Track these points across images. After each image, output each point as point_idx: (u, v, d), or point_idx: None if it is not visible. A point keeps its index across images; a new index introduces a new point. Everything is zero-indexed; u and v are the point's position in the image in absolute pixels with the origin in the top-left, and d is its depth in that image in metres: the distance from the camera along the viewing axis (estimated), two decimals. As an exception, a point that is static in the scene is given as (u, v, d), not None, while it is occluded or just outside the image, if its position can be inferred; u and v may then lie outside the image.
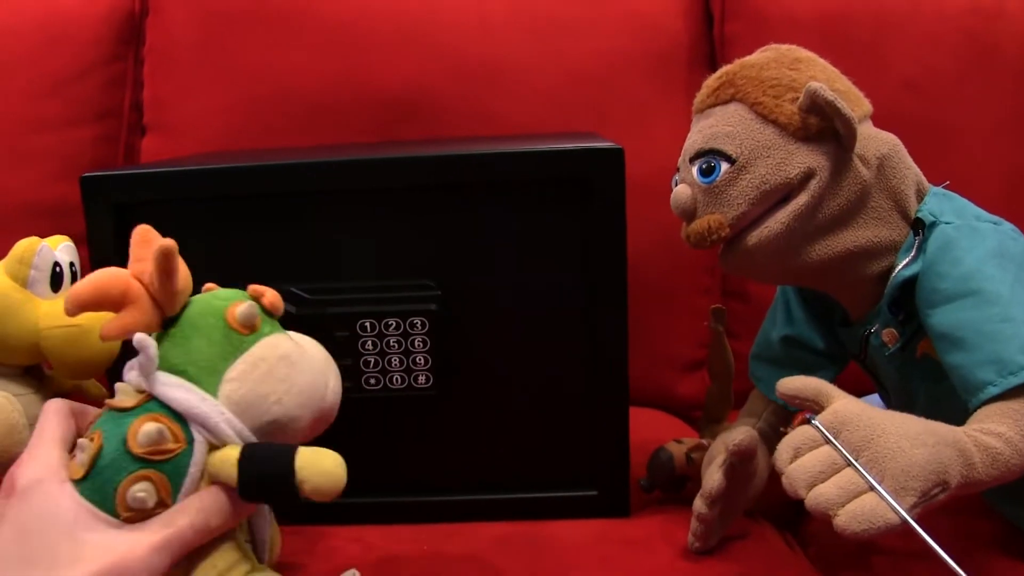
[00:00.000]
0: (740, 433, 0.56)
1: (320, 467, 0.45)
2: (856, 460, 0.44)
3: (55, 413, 0.47)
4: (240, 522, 0.48)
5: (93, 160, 0.96)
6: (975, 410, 0.48)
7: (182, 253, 0.51)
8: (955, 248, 0.51)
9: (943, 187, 0.58)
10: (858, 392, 0.72)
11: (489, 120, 0.91)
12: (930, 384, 0.54)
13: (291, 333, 0.51)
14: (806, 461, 0.45)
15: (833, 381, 0.64)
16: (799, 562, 0.61)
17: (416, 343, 0.61)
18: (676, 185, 0.57)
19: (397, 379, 0.62)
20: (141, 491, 0.44)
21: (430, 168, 0.61)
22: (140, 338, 0.46)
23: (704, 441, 0.66)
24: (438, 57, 0.92)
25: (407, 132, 0.91)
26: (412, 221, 0.62)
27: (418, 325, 0.61)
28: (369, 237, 0.62)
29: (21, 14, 0.96)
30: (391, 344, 0.62)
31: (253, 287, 0.51)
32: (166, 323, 0.48)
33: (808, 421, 0.46)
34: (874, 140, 0.55)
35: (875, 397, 0.72)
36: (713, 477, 0.56)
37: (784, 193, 0.53)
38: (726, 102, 0.56)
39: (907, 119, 0.88)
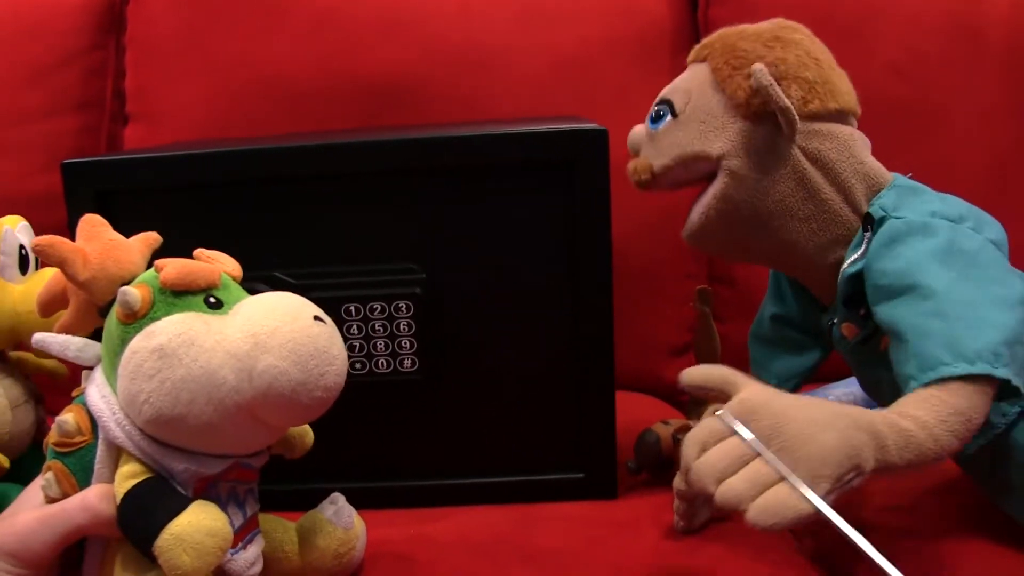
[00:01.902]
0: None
1: (179, 549, 0.40)
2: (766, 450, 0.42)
3: None
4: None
5: (75, 150, 0.95)
6: None
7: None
8: (898, 243, 0.50)
9: (908, 177, 0.56)
10: (840, 376, 0.73)
11: (473, 106, 0.90)
12: (892, 375, 0.54)
13: (251, 299, 0.45)
14: (713, 455, 0.42)
15: (822, 360, 0.66)
16: (785, 542, 0.62)
17: (401, 327, 0.61)
18: None
19: (383, 363, 0.62)
20: (44, 480, 0.45)
21: (414, 152, 0.61)
22: (37, 338, 0.46)
23: (691, 423, 0.66)
24: (421, 43, 0.92)
25: (391, 119, 0.91)
26: (396, 205, 0.62)
27: (403, 309, 0.61)
28: (353, 221, 0.62)
29: (0, 4, 0.95)
30: (376, 328, 0.61)
31: (158, 261, 0.46)
32: (105, 311, 0.46)
33: (714, 413, 0.44)
34: (819, 133, 0.54)
35: (852, 380, 0.73)
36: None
37: (709, 167, 0.55)
38: (701, 60, 0.57)
39: (892, 103, 0.89)
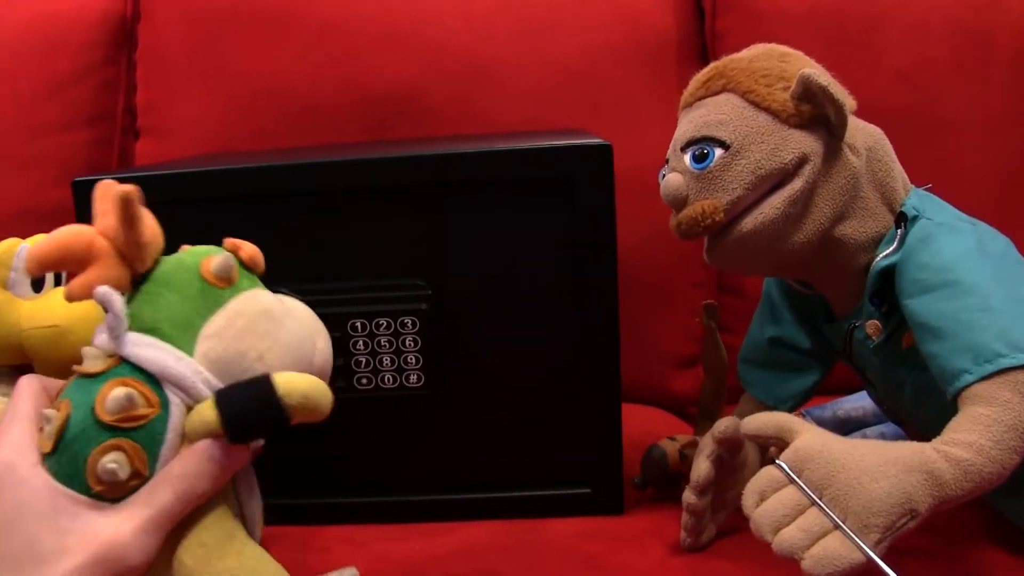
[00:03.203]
0: (725, 422, 0.55)
1: (301, 386, 0.42)
2: (819, 499, 0.43)
3: (26, 390, 0.44)
4: (227, 488, 0.45)
5: (87, 164, 0.96)
6: (952, 399, 0.48)
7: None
8: (935, 241, 0.52)
9: (925, 189, 0.58)
10: (848, 390, 0.73)
11: (479, 118, 0.91)
12: (916, 374, 0.54)
13: (277, 292, 0.48)
14: (770, 505, 0.45)
15: (821, 380, 0.66)
16: (792, 561, 0.61)
17: (407, 342, 0.61)
18: (663, 176, 0.57)
19: (388, 379, 0.62)
20: (112, 462, 0.41)
21: (419, 168, 0.61)
22: (102, 291, 0.43)
23: (698, 438, 0.66)
24: (427, 56, 0.92)
25: (397, 131, 0.91)
26: (402, 221, 0.62)
27: (409, 324, 0.61)
28: (358, 237, 0.62)
29: (13, 20, 0.97)
30: (382, 344, 0.62)
31: (230, 240, 0.48)
32: (138, 281, 0.45)
33: (773, 462, 0.46)
34: (862, 131, 0.56)
35: (862, 395, 0.72)
36: (700, 467, 0.56)
37: (778, 179, 0.53)
38: (717, 93, 0.56)
39: (900, 111, 0.89)
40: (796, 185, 0.53)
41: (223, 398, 0.42)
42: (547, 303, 0.62)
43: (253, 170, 0.62)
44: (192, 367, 0.43)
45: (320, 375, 0.46)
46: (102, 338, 0.44)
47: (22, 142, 0.94)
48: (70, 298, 0.44)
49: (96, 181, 0.62)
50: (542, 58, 0.92)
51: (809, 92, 0.52)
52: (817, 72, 0.53)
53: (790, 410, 0.65)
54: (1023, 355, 0.45)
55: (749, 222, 0.54)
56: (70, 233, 0.44)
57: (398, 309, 0.61)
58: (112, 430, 0.41)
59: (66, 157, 0.95)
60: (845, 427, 0.73)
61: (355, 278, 0.62)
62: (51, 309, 0.58)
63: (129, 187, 0.43)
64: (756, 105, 0.54)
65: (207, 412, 0.42)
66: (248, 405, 0.42)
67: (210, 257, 0.46)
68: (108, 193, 0.45)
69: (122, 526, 0.40)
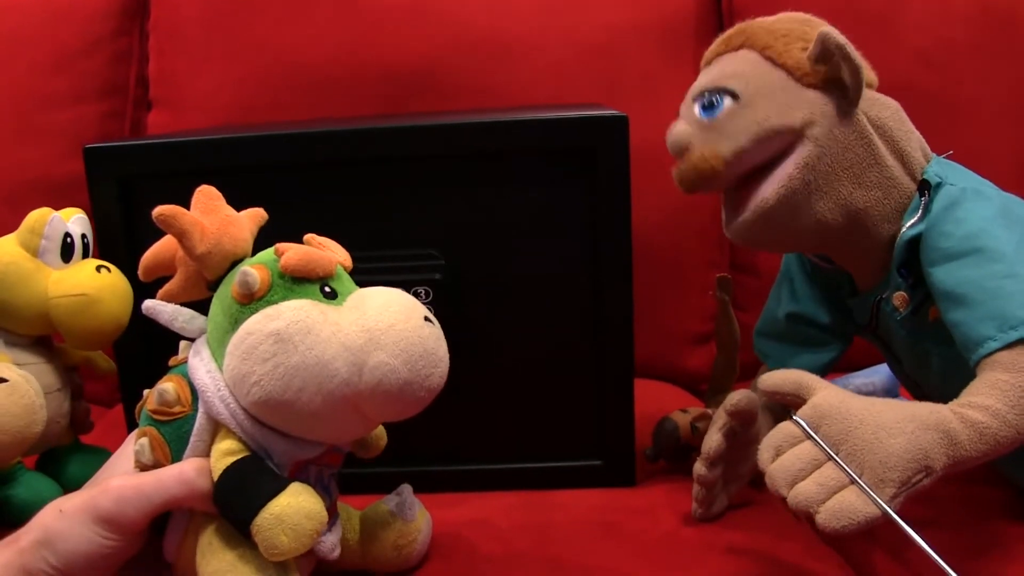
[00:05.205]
0: (739, 395, 0.56)
1: (278, 529, 0.40)
2: (836, 454, 0.43)
3: None
4: None
5: (100, 136, 0.96)
6: (975, 366, 0.47)
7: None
8: (959, 208, 0.51)
9: (945, 156, 0.57)
10: (869, 362, 0.73)
11: (497, 93, 0.90)
12: (943, 347, 0.54)
13: (364, 292, 0.45)
14: (786, 459, 0.44)
15: (839, 357, 0.65)
16: (804, 531, 0.61)
17: (421, 313, 0.61)
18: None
19: (402, 349, 0.62)
20: (138, 445, 0.45)
21: (435, 138, 0.61)
22: (147, 306, 0.46)
23: (709, 411, 0.66)
24: (446, 30, 0.92)
25: (415, 105, 0.91)
26: (417, 191, 0.62)
27: (422, 294, 0.61)
28: (373, 207, 0.62)
29: (27, -10, 0.96)
30: (396, 314, 0.61)
31: (280, 245, 0.45)
32: (215, 285, 0.46)
33: (790, 417, 0.46)
34: (879, 102, 0.55)
35: (886, 367, 0.72)
36: (712, 439, 0.56)
37: (786, 141, 0.53)
38: (736, 49, 0.56)
39: (920, 91, 0.88)
40: (806, 148, 0.52)
41: (224, 475, 0.42)
42: (562, 275, 0.62)
43: (267, 139, 0.62)
44: (215, 382, 0.43)
45: (375, 393, 0.43)
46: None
47: (34, 113, 0.94)
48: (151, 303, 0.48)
49: (108, 148, 0.63)
50: (561, 34, 0.92)
51: (826, 51, 0.51)
52: (836, 33, 0.52)
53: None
54: None
55: (771, 193, 0.52)
56: (162, 243, 0.48)
57: (411, 279, 0.61)
58: (150, 418, 0.45)
59: (78, 129, 0.95)
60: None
61: (369, 248, 0.62)
62: (79, 279, 0.59)
63: (170, 208, 0.44)
64: (772, 61, 0.53)
65: (217, 460, 0.43)
66: (230, 502, 0.42)
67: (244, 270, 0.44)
68: (197, 200, 0.46)
69: (116, 481, 0.44)
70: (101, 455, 0.64)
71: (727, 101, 0.53)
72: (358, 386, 0.42)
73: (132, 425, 0.53)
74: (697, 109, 0.54)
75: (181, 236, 0.44)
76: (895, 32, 0.89)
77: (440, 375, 0.45)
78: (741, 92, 0.53)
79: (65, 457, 0.64)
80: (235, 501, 0.42)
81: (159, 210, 0.44)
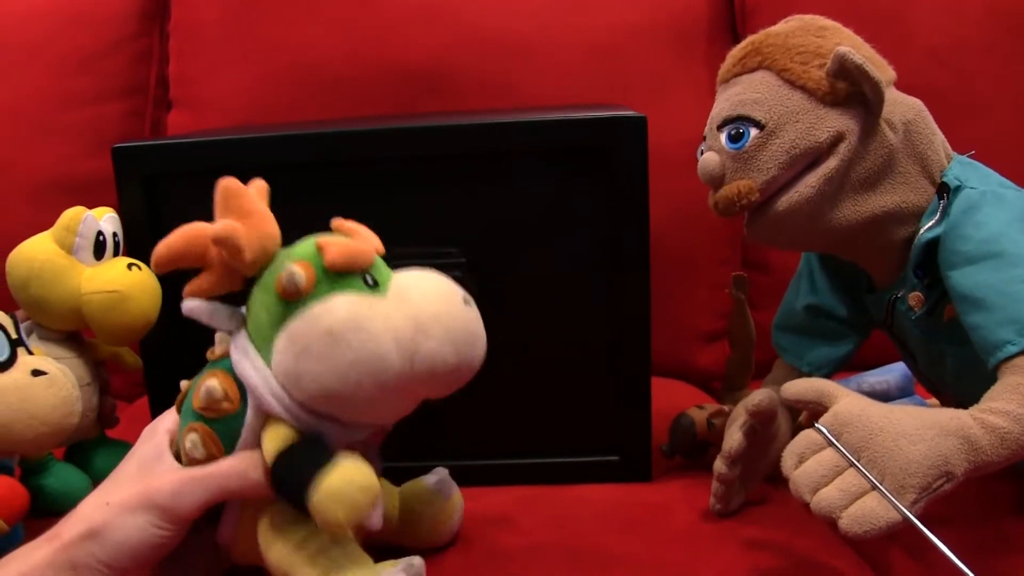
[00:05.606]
0: (760, 394, 0.56)
1: (336, 504, 0.41)
2: (857, 461, 0.44)
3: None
4: None
5: (121, 135, 0.97)
6: (993, 370, 0.48)
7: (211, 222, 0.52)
8: (979, 212, 0.52)
9: (968, 156, 0.58)
10: (883, 361, 0.73)
11: (510, 93, 0.91)
12: (957, 347, 0.54)
13: (403, 278, 0.46)
14: (809, 466, 0.46)
15: (856, 350, 0.66)
16: (821, 527, 0.62)
17: (441, 310, 0.62)
18: (702, 154, 0.57)
19: (422, 345, 0.63)
20: (189, 441, 0.46)
21: (454, 137, 0.62)
22: (186, 306, 0.46)
23: (725, 408, 0.67)
24: (458, 30, 0.93)
25: (430, 105, 0.92)
26: (437, 190, 0.63)
27: (443, 292, 0.62)
28: (394, 206, 0.63)
29: (48, -8, 0.97)
30: (417, 311, 0.62)
31: (322, 239, 0.45)
32: (251, 280, 0.46)
33: (812, 425, 0.47)
34: (900, 105, 0.55)
35: (900, 365, 0.73)
36: (733, 437, 0.57)
37: (813, 157, 0.54)
38: (752, 70, 0.56)
39: (932, 90, 0.86)
40: (831, 164, 0.53)
41: (281, 457, 0.44)
42: (580, 272, 0.63)
43: (289, 138, 0.63)
44: (264, 378, 0.44)
45: (427, 378, 0.44)
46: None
47: (55, 113, 0.95)
48: (185, 296, 0.47)
49: (135, 148, 0.64)
50: (572, 34, 0.92)
51: (844, 70, 0.52)
52: (853, 49, 0.52)
53: (825, 377, 0.65)
54: None
55: (784, 201, 0.54)
56: (187, 235, 0.45)
57: (432, 277, 0.62)
58: (198, 415, 0.46)
59: (98, 128, 0.96)
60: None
61: (390, 245, 0.62)
62: (111, 275, 0.60)
63: (228, 229, 0.43)
64: (791, 83, 0.54)
65: (269, 444, 0.44)
66: (287, 483, 0.43)
67: (288, 267, 0.44)
68: (223, 197, 0.45)
69: (171, 476, 0.46)
70: (125, 448, 0.65)
71: (753, 131, 0.54)
72: (411, 374, 0.44)
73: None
74: (724, 139, 0.55)
75: (238, 252, 0.44)
76: (907, 30, 0.90)
77: (482, 353, 0.47)
78: (765, 121, 0.54)
79: (92, 450, 0.65)
80: (292, 482, 0.43)
81: (216, 232, 0.43)
